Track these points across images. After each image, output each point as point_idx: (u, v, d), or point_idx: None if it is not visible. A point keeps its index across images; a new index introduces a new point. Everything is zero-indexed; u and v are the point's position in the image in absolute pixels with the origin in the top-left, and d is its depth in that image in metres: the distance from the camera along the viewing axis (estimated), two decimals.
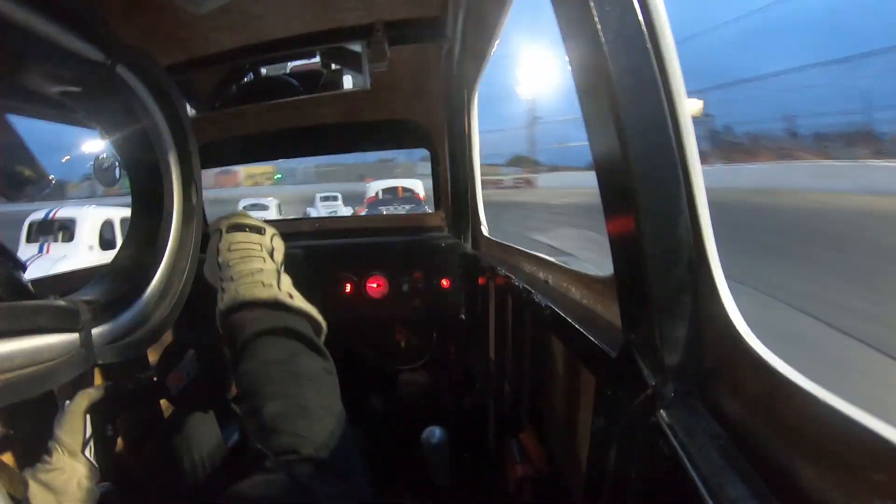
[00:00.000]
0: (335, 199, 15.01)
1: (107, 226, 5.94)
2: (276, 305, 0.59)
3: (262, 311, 0.59)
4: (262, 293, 0.60)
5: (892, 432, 0.26)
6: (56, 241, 5.75)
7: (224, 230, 0.68)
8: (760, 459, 0.34)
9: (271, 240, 0.69)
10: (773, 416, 0.34)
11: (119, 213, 6.01)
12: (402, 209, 9.70)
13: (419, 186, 11.55)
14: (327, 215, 10.68)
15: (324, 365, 0.57)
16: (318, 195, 15.33)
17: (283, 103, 1.40)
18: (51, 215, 5.95)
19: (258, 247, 0.66)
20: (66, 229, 5.81)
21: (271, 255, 0.67)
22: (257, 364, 0.54)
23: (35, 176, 0.55)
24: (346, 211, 13.58)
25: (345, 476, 0.47)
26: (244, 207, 14.61)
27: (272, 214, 14.72)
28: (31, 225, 5.97)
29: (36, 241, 5.77)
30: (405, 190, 11.53)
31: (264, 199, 15.34)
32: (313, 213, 12.34)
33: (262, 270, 0.63)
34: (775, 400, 0.34)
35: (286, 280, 0.64)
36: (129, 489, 0.85)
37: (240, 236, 0.66)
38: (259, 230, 0.69)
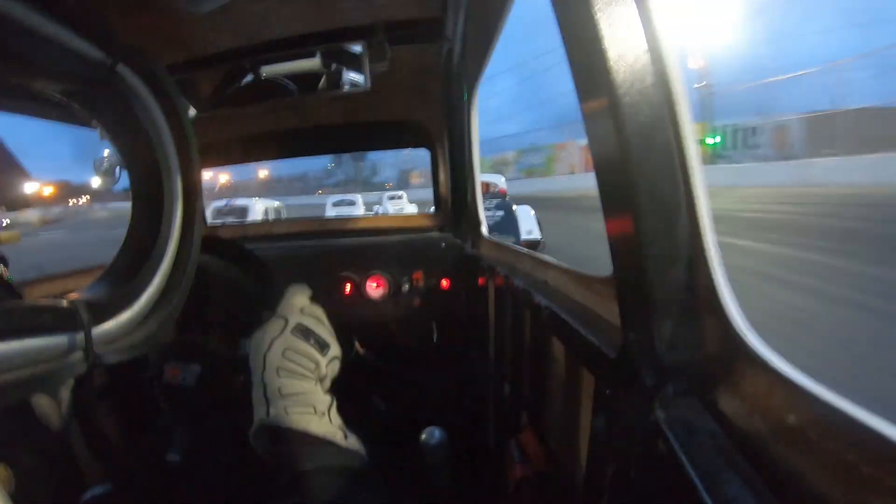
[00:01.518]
0: (351, 203, 14.43)
1: (266, 210, 10.09)
2: (328, 441, 0.58)
3: (314, 444, 0.57)
4: (316, 427, 0.58)
5: (892, 431, 0.26)
6: (234, 219, 8.72)
7: (290, 326, 0.64)
8: (760, 459, 0.34)
9: (328, 364, 0.65)
10: (772, 416, 0.34)
11: (272, 203, 10.62)
12: (489, 205, 9.39)
13: (502, 181, 10.71)
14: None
15: (377, 495, 0.56)
16: (330, 201, 15.10)
17: (284, 104, 1.41)
18: (229, 204, 10.31)
19: (314, 366, 0.62)
20: (242, 211, 9.66)
21: (322, 381, 0.64)
22: (306, 500, 0.53)
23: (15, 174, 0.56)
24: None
25: (360, 480, 0.47)
26: (333, 204, 14.52)
27: (360, 209, 14.74)
28: (215, 209, 9.80)
29: (218, 219, 8.49)
30: (489, 185, 10.52)
31: (351, 195, 16.11)
32: None
33: (315, 396, 0.60)
34: (775, 399, 0.34)
35: (335, 411, 0.62)
36: (127, 490, 0.85)
37: (302, 347, 0.63)
38: (323, 347, 0.65)
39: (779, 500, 0.31)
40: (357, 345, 1.64)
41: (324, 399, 0.61)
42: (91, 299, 0.57)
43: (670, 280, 0.42)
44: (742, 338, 0.37)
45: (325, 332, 0.67)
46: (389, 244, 1.65)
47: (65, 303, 0.51)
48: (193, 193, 0.82)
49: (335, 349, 0.67)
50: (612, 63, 0.39)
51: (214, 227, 1.97)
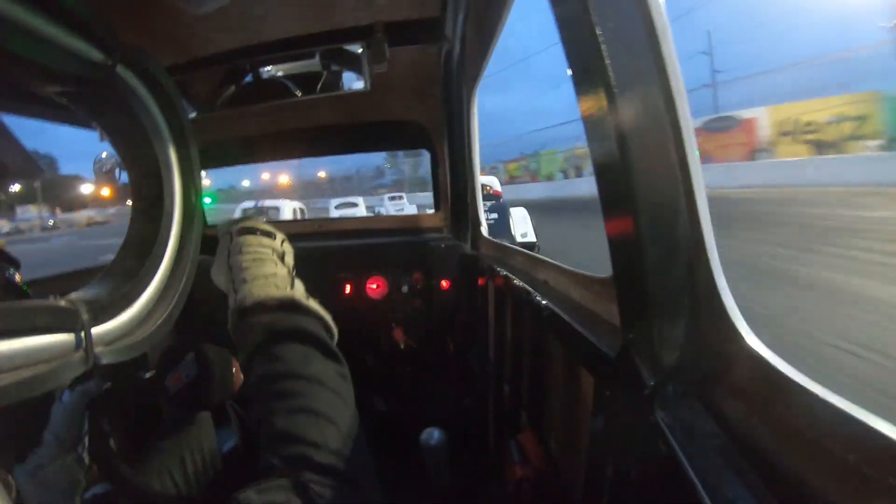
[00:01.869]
0: (354, 205, 14.91)
1: (296, 211, 10.49)
2: (292, 306, 0.59)
3: (276, 313, 0.58)
4: (278, 293, 0.59)
5: (886, 426, 0.26)
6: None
7: (235, 233, 0.68)
8: (759, 459, 0.34)
9: (282, 244, 0.69)
10: (771, 416, 0.34)
11: (298, 204, 11.18)
12: (483, 207, 9.18)
13: (496, 183, 10.59)
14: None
15: (338, 369, 0.56)
16: (333, 203, 15.47)
17: (283, 104, 1.41)
18: (259, 205, 10.84)
19: (270, 251, 0.66)
20: (273, 211, 10.15)
21: (282, 260, 0.67)
22: (269, 368, 0.53)
23: (22, 163, 0.56)
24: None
25: (356, 485, 0.46)
26: (336, 206, 15.01)
27: (362, 211, 15.10)
28: (245, 210, 10.39)
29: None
30: (484, 186, 10.59)
31: (353, 197, 16.64)
32: None
33: (275, 274, 0.62)
34: (774, 399, 0.34)
35: (299, 284, 0.64)
36: (126, 490, 0.85)
37: (252, 240, 0.66)
38: (270, 234, 0.69)
39: (778, 501, 0.31)
40: (368, 351, 1.64)
41: (283, 273, 0.64)
42: (91, 299, 0.57)
43: (670, 281, 0.42)
44: (742, 339, 0.38)
45: (266, 225, 0.71)
46: (389, 245, 1.65)
47: (65, 303, 0.51)
48: (193, 193, 0.82)
49: (281, 235, 0.71)
50: (611, 65, 0.39)
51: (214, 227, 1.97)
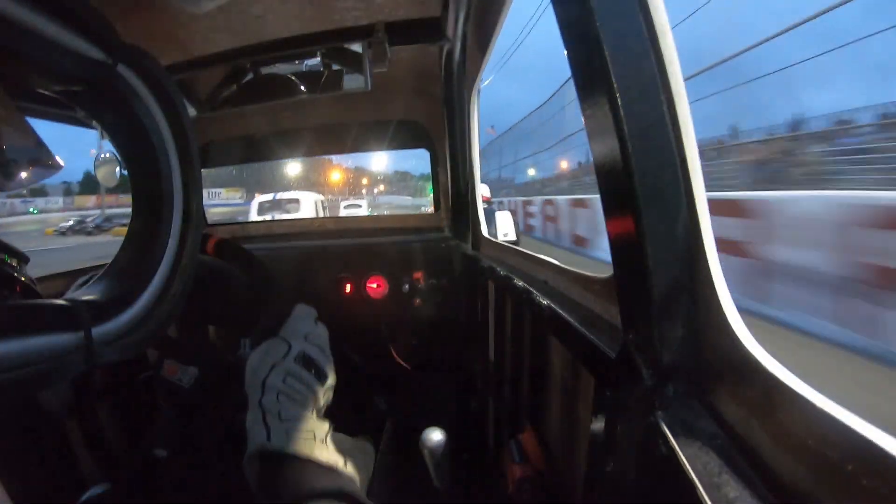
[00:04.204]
0: (358, 206, 15.25)
1: (318, 202, 10.24)
2: (331, 470, 0.57)
3: (313, 470, 0.56)
4: (319, 454, 0.57)
5: (884, 439, 0.26)
6: (285, 213, 9.26)
7: (294, 353, 0.64)
8: (758, 460, 0.34)
9: (324, 394, 0.65)
10: (770, 419, 0.34)
11: (319, 197, 10.71)
12: None
13: (486, 189, 11.13)
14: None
15: None
16: (343, 203, 15.77)
17: (284, 103, 1.41)
18: (276, 197, 10.19)
19: (312, 396, 0.63)
20: (293, 204, 9.80)
21: (317, 408, 0.64)
22: None
23: (43, 158, 0.55)
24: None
25: None
26: (346, 206, 15.19)
27: (364, 210, 15.34)
28: (261, 203, 9.91)
29: (265, 213, 9.30)
30: None
31: (358, 200, 17.14)
32: None
33: (314, 423, 0.60)
34: (772, 402, 0.34)
35: (331, 438, 0.62)
36: (126, 490, 0.85)
37: (303, 375, 0.63)
38: (321, 378, 0.65)
39: (778, 503, 0.31)
40: (368, 351, 1.64)
41: (323, 426, 0.61)
42: (91, 299, 0.57)
43: (670, 281, 0.42)
44: (739, 341, 0.38)
45: (326, 361, 0.67)
46: (389, 244, 1.65)
47: (65, 303, 0.51)
48: (193, 193, 0.82)
49: (332, 379, 0.67)
50: (612, 64, 0.39)
51: (214, 227, 1.97)
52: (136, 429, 1.07)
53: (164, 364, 0.88)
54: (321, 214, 10.09)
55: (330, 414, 0.66)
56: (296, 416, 0.59)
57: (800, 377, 0.33)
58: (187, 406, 0.88)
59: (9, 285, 0.58)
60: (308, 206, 10.17)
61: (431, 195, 1.86)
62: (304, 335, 0.68)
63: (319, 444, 0.58)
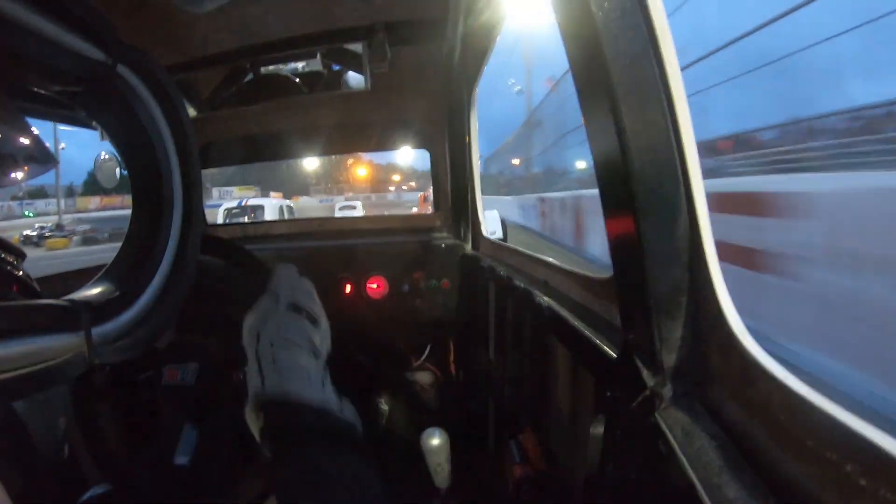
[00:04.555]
0: (353, 208, 15.34)
1: (281, 209, 10.13)
2: (320, 408, 0.58)
3: (306, 410, 0.57)
4: (311, 395, 0.58)
5: (884, 439, 0.26)
6: (249, 218, 9.22)
7: (283, 302, 0.65)
8: (759, 461, 0.34)
9: (320, 338, 0.66)
10: (771, 420, 0.34)
11: (284, 202, 10.41)
12: None
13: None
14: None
15: (367, 465, 0.55)
16: (338, 205, 15.87)
17: (284, 104, 1.41)
18: (243, 203, 10.35)
19: (307, 341, 0.63)
20: (256, 211, 9.73)
21: (315, 352, 0.64)
22: (301, 469, 0.52)
23: (39, 155, 0.55)
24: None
25: None
26: (340, 208, 15.26)
27: (360, 211, 15.38)
28: (227, 210, 9.97)
29: (232, 219, 9.10)
30: None
31: (354, 201, 16.71)
32: None
33: (307, 366, 0.60)
34: (772, 403, 0.34)
35: (329, 382, 0.62)
36: (126, 490, 0.85)
37: (295, 322, 0.64)
38: (314, 322, 0.66)
39: (778, 503, 0.31)
40: (368, 351, 1.64)
41: (318, 370, 0.62)
42: (91, 299, 0.57)
43: (670, 281, 0.42)
44: (739, 341, 0.38)
45: (316, 307, 0.68)
46: (389, 244, 1.65)
47: (65, 303, 0.51)
48: (193, 193, 0.82)
49: (325, 323, 0.68)
50: (612, 64, 0.39)
51: (215, 227, 1.97)
52: (137, 429, 1.07)
53: (163, 371, 0.88)
54: (286, 214, 10.08)
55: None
56: (290, 360, 0.60)
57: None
58: (195, 404, 0.88)
59: (6, 282, 0.58)
60: (272, 211, 10.16)
61: None
62: (291, 286, 0.69)
63: (314, 384, 0.59)
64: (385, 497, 0.55)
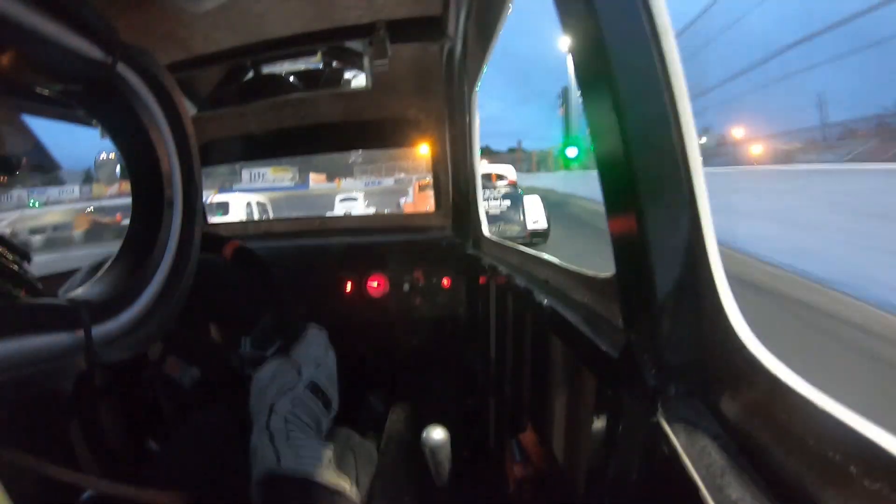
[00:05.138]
0: (354, 199, 15.18)
1: (248, 205, 9.58)
2: (338, 494, 0.59)
3: (324, 495, 0.58)
4: (328, 478, 0.59)
5: (886, 439, 0.26)
6: (215, 215, 8.67)
7: (304, 381, 0.66)
8: (762, 461, 0.33)
9: (329, 421, 0.68)
10: (772, 419, 0.34)
11: (253, 197, 9.88)
12: (497, 194, 7.80)
13: (512, 172, 9.69)
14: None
15: None
16: (338, 197, 15.56)
17: (284, 102, 1.40)
18: (208, 200, 9.36)
19: (317, 425, 0.65)
20: (223, 207, 9.36)
21: (322, 435, 0.65)
22: None
23: (43, 162, 0.55)
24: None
25: None
26: (340, 201, 15.05)
27: (361, 203, 15.14)
28: None
29: None
30: (499, 176, 9.38)
31: (353, 193, 16.56)
32: None
33: (321, 447, 0.61)
34: (774, 402, 0.34)
35: (328, 453, 0.63)
36: (127, 490, 0.85)
37: (311, 404, 0.65)
38: (328, 407, 0.67)
39: (780, 503, 0.31)
40: (368, 350, 1.64)
41: (328, 451, 0.62)
42: (91, 299, 0.57)
43: (672, 281, 0.41)
44: (741, 341, 0.37)
45: (333, 389, 0.68)
46: (390, 243, 1.65)
47: (65, 302, 0.51)
48: (193, 193, 0.82)
49: (335, 406, 0.70)
50: (615, 63, 0.39)
51: (215, 226, 1.97)
52: (138, 429, 1.07)
53: (167, 360, 0.88)
54: (255, 215, 9.49)
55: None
56: (303, 441, 0.60)
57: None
58: (184, 405, 0.88)
59: (15, 282, 0.58)
60: (237, 208, 9.67)
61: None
62: (316, 363, 0.69)
63: (326, 466, 0.59)
64: (371, 488, 0.55)
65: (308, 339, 0.72)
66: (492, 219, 7.21)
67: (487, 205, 7.35)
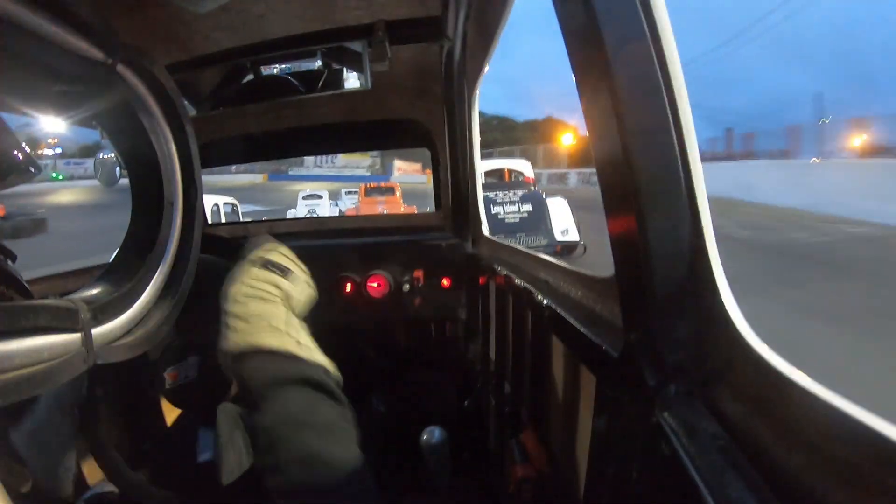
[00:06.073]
0: (319, 197, 13.38)
1: (218, 204, 8.24)
2: (288, 354, 0.58)
3: (274, 358, 0.57)
4: (273, 340, 0.58)
5: (891, 430, 0.25)
6: None
7: (249, 260, 0.66)
8: (762, 460, 0.33)
9: (294, 286, 0.67)
10: (774, 417, 0.34)
11: (220, 199, 8.27)
12: (513, 197, 6.41)
13: (528, 168, 8.39)
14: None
15: (341, 412, 0.56)
16: (301, 195, 13.67)
17: (284, 103, 1.41)
18: None
19: (276, 289, 0.64)
20: None
21: (288, 300, 0.65)
22: (273, 418, 0.53)
23: (21, 163, 0.55)
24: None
25: None
26: (303, 198, 13.48)
27: (326, 202, 13.18)
28: None
29: None
30: (512, 172, 8.18)
31: (319, 190, 14.40)
32: None
33: (274, 315, 0.61)
34: (776, 400, 0.34)
35: (301, 328, 0.63)
36: (127, 490, 0.85)
37: (262, 274, 0.65)
38: (284, 272, 0.67)
39: (781, 502, 0.31)
40: (368, 350, 1.64)
41: (283, 315, 0.62)
42: (91, 299, 0.57)
43: (672, 281, 0.41)
44: (743, 339, 0.37)
45: (287, 260, 0.69)
46: (390, 244, 1.65)
47: (65, 302, 0.51)
48: (193, 193, 0.82)
49: (300, 275, 0.69)
50: (614, 64, 0.39)
51: (215, 226, 1.97)
52: (138, 429, 1.07)
53: (164, 377, 0.88)
54: (222, 215, 8.57)
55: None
56: (255, 312, 0.60)
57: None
58: (203, 401, 0.88)
59: (7, 282, 0.58)
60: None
61: None
62: (261, 246, 0.70)
63: (275, 332, 0.59)
64: (363, 443, 0.55)
65: (250, 239, 0.78)
66: (508, 228, 5.94)
67: (502, 210, 6.13)
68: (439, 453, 1.24)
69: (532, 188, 7.26)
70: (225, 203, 9.54)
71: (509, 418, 1.10)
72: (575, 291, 0.75)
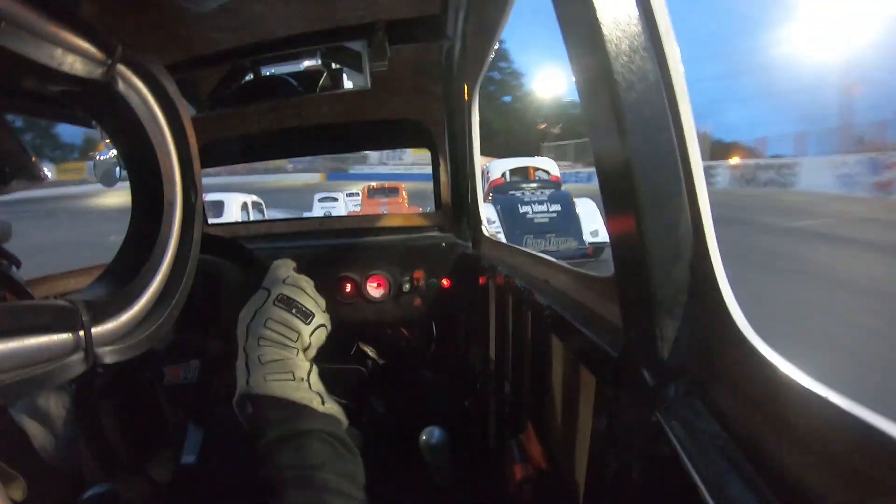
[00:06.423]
0: (335, 199, 13.24)
1: (247, 206, 8.82)
2: (305, 409, 0.59)
3: (288, 411, 0.58)
4: (293, 393, 0.59)
5: (891, 428, 0.25)
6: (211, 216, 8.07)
7: (273, 297, 0.66)
8: (762, 460, 0.33)
9: (312, 333, 0.67)
10: (774, 417, 0.34)
11: (249, 198, 8.94)
12: (541, 196, 6.19)
13: (553, 166, 7.96)
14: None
15: (350, 469, 0.56)
16: (316, 197, 13.56)
17: (284, 103, 1.41)
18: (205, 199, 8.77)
19: (296, 336, 0.64)
20: (217, 208, 8.49)
21: (306, 350, 0.65)
22: (280, 470, 0.54)
23: (25, 168, 0.55)
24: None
25: None
26: (318, 201, 13.36)
27: (342, 203, 13.16)
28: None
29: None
30: (537, 170, 7.67)
31: (335, 193, 14.37)
32: None
33: (294, 363, 0.61)
34: (777, 400, 0.34)
35: (314, 373, 0.63)
36: (127, 490, 0.85)
37: (284, 316, 0.64)
38: (306, 317, 0.66)
39: (781, 502, 0.31)
40: (368, 350, 1.65)
41: (304, 366, 0.62)
42: (91, 299, 0.57)
43: (672, 280, 0.41)
44: (744, 338, 0.37)
45: (310, 301, 0.69)
46: (390, 244, 1.65)
47: (65, 303, 0.51)
48: (193, 193, 0.82)
49: (320, 318, 0.68)
50: (613, 63, 0.39)
51: (216, 226, 1.98)
52: (138, 429, 1.07)
53: (165, 371, 0.88)
54: (250, 213, 8.83)
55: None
56: (274, 358, 0.61)
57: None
58: (198, 402, 0.88)
59: (11, 288, 0.58)
60: (233, 210, 8.76)
61: None
62: (283, 279, 0.70)
63: (296, 383, 0.60)
64: (363, 444, 0.55)
65: (274, 266, 0.74)
66: (538, 229, 5.66)
67: (531, 210, 5.84)
68: (439, 453, 1.24)
69: (559, 187, 7.07)
70: (253, 202, 9.44)
71: (509, 418, 1.10)
72: (574, 291, 0.75)
